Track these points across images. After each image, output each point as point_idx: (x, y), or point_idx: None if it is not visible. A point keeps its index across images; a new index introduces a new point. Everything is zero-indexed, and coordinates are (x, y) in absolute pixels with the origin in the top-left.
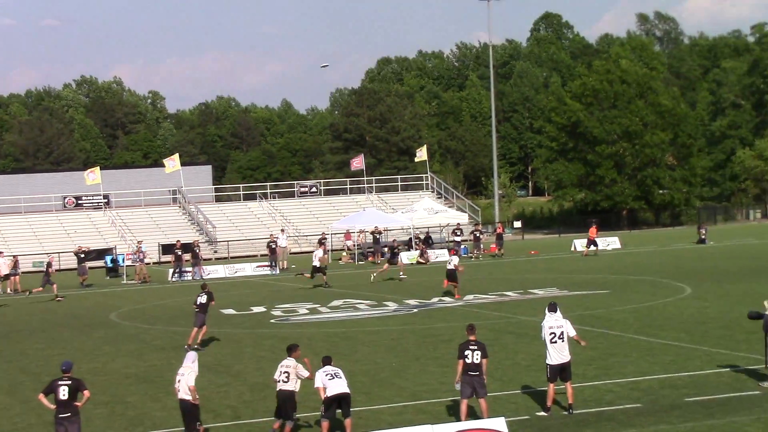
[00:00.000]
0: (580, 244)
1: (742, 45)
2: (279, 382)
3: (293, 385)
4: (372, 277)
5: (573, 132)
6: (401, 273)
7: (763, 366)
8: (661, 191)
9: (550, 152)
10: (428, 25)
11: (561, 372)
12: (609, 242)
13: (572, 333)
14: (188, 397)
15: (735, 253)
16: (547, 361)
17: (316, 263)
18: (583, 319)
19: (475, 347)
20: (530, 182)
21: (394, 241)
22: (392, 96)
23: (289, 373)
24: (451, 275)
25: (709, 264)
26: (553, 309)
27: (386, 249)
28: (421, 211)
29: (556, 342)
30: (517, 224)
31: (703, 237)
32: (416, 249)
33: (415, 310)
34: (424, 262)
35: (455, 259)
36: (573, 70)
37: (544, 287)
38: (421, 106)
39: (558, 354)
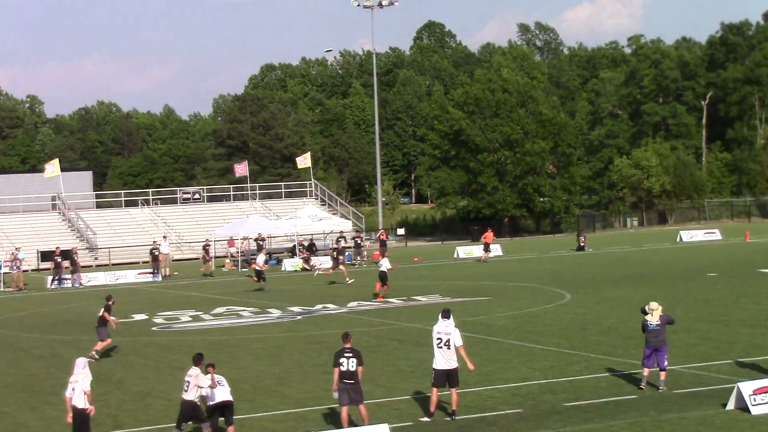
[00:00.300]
0: (463, 251)
1: (619, 56)
2: (183, 391)
3: (193, 395)
4: (315, 273)
5: (455, 140)
6: (347, 278)
7: (640, 371)
8: (541, 199)
9: (433, 160)
10: (312, 33)
11: (448, 378)
12: (491, 249)
13: (458, 343)
14: (82, 405)
15: (613, 261)
16: (433, 366)
17: (258, 267)
18: (465, 326)
19: (350, 355)
20: (413, 190)
21: (338, 243)
22: (276, 103)
23: (189, 383)
24: (383, 277)
25: (588, 271)
26: (445, 315)
27: (332, 252)
28: (305, 218)
29: (441, 347)
30: (401, 231)
31: (582, 244)
32: (300, 256)
33: (299, 318)
34: (308, 269)
35: (386, 261)
36: (455, 79)
37: (426, 294)
38: (304, 113)
39: (444, 359)
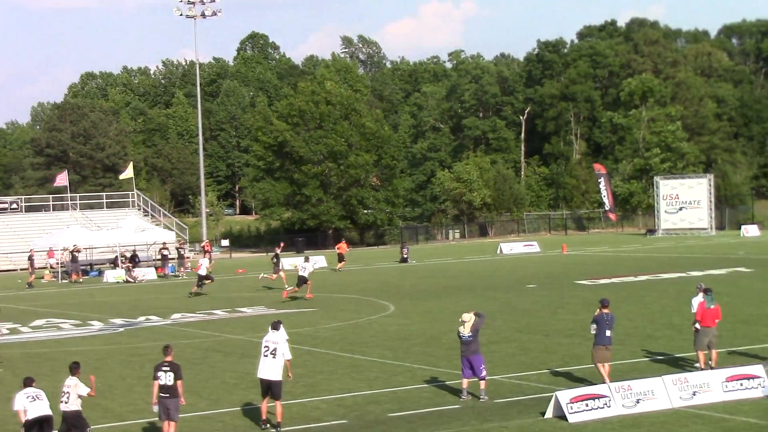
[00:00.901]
0: (287, 263)
1: (441, 71)
2: (62, 403)
3: (75, 405)
4: (260, 277)
5: (280, 151)
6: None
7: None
8: (365, 211)
9: (257, 171)
10: (133, 41)
11: (270, 388)
12: (315, 261)
13: (287, 356)
14: None
15: (435, 272)
16: (257, 374)
17: (203, 272)
18: (290, 338)
19: (168, 368)
20: (238, 201)
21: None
22: (96, 112)
23: (69, 393)
24: (302, 280)
25: (411, 282)
26: (275, 327)
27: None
28: (128, 228)
29: (267, 356)
30: (225, 242)
31: (405, 256)
32: (123, 267)
33: (121, 330)
34: (131, 280)
35: (308, 266)
36: (279, 91)
37: (252, 305)
38: (126, 123)
39: (266, 369)
